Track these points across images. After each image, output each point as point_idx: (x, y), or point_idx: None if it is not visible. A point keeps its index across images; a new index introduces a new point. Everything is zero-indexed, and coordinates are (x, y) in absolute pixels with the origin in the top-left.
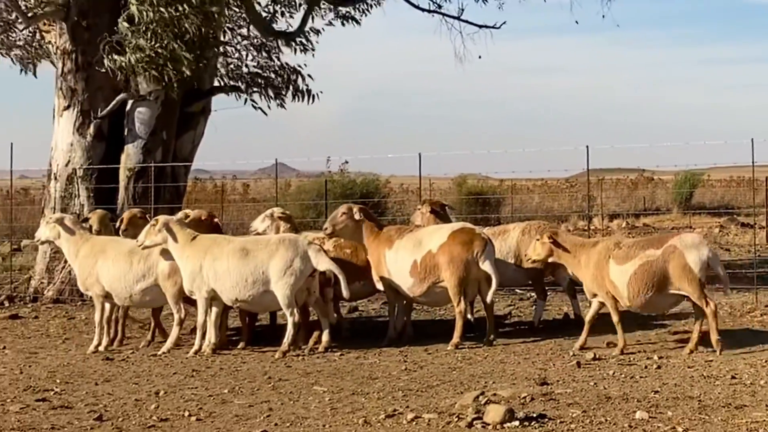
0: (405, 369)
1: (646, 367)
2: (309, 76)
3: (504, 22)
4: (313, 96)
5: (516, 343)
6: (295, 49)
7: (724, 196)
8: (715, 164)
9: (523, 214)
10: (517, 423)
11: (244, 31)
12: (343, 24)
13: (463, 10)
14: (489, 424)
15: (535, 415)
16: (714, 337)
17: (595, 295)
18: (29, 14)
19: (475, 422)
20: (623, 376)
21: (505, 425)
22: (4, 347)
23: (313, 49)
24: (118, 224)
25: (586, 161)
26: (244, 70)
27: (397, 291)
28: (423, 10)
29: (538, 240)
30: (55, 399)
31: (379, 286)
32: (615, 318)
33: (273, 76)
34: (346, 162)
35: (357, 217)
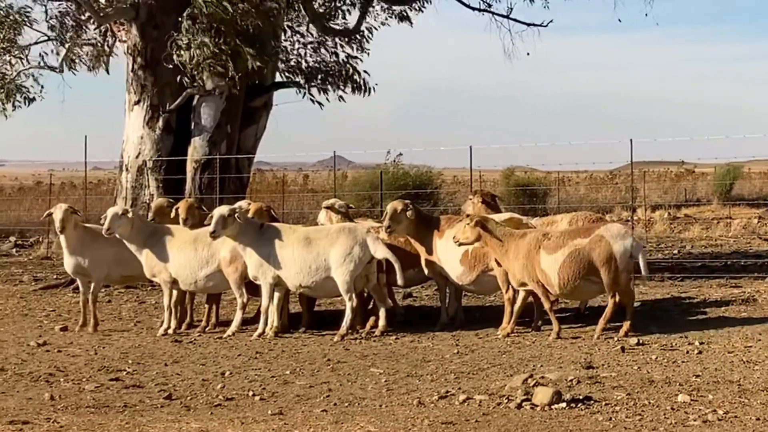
0: (457, 352)
1: (687, 352)
2: (365, 71)
3: (551, 21)
4: (370, 89)
5: (562, 328)
6: (352, 47)
7: (762, 187)
8: (754, 157)
9: (568, 204)
10: (564, 405)
11: (303, 29)
12: (399, 22)
13: (511, 9)
14: (537, 406)
15: (581, 398)
16: (600, 326)
17: (522, 284)
18: (101, 14)
19: (524, 404)
20: (665, 360)
21: (552, 407)
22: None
23: (368, 43)
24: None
25: (630, 154)
26: (303, 65)
27: (447, 278)
28: (473, 9)
29: (467, 224)
30: (127, 378)
31: (427, 272)
32: (546, 305)
33: (331, 70)
34: (400, 154)
35: (410, 215)
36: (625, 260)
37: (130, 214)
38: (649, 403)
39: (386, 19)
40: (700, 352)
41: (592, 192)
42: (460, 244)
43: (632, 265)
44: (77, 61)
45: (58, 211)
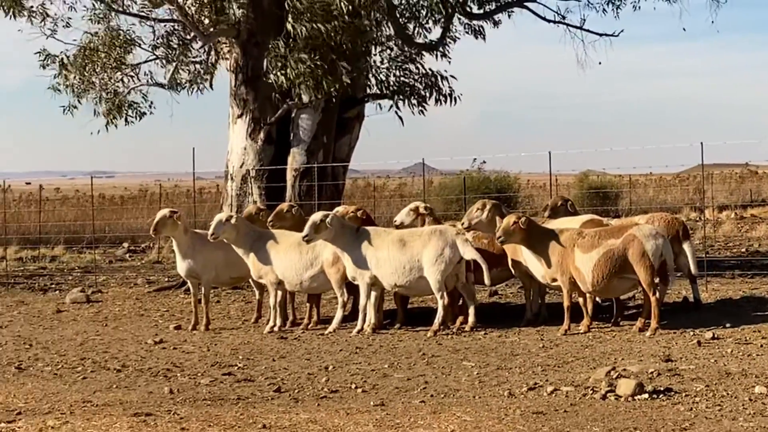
0: (542, 347)
1: (761, 346)
2: (452, 76)
3: (621, 30)
4: (455, 98)
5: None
6: (436, 55)
7: None
8: None
9: (638, 206)
10: (646, 396)
11: (390, 43)
12: (475, 38)
13: (584, 20)
14: (621, 397)
15: (662, 389)
16: (653, 324)
17: (554, 280)
18: (206, 33)
19: (608, 395)
20: (741, 354)
21: (636, 397)
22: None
23: (449, 57)
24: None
25: (700, 157)
26: (392, 80)
27: (532, 277)
28: (549, 21)
29: (515, 223)
30: (239, 373)
31: (513, 272)
32: (566, 303)
33: (417, 83)
34: (484, 162)
35: (485, 216)
36: (657, 259)
37: (233, 220)
38: (728, 394)
39: (464, 32)
40: None
41: (660, 194)
42: (502, 242)
43: (665, 265)
44: (183, 80)
45: (157, 216)
